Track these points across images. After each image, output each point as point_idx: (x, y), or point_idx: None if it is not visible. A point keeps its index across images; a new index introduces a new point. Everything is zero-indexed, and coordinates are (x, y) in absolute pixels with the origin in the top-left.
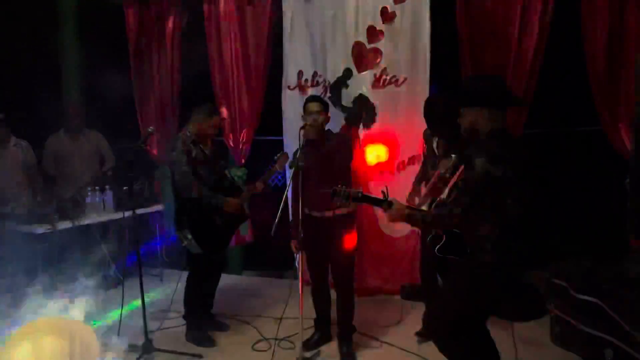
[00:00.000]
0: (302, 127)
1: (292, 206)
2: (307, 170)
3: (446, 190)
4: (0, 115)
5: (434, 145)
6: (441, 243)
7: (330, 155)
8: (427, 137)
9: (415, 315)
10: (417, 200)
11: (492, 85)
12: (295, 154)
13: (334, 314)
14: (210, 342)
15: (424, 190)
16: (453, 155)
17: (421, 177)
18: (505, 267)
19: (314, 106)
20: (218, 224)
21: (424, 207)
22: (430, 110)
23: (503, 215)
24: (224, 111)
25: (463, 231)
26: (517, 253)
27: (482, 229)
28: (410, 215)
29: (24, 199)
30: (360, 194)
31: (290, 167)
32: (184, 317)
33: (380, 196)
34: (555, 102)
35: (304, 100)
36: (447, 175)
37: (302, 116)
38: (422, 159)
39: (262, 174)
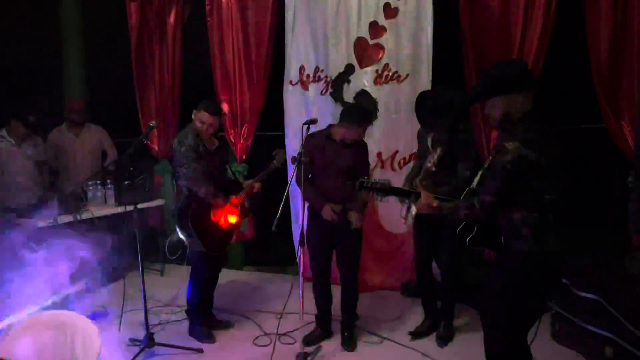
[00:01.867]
0: (306, 123)
1: (302, 192)
2: (322, 165)
3: (475, 180)
4: (34, 117)
5: (429, 142)
6: (472, 234)
7: (354, 157)
8: (421, 135)
9: (415, 312)
10: None
11: (521, 68)
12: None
13: (334, 311)
14: (209, 338)
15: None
16: (439, 149)
17: (413, 175)
18: (546, 255)
19: (361, 131)
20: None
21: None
22: (422, 105)
23: (540, 200)
24: (225, 106)
25: (497, 219)
26: (557, 240)
27: (516, 214)
28: (439, 206)
29: (37, 194)
30: (388, 186)
31: (293, 163)
32: (187, 312)
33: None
34: (559, 100)
35: (351, 114)
36: (434, 168)
37: (340, 124)
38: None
39: (261, 171)
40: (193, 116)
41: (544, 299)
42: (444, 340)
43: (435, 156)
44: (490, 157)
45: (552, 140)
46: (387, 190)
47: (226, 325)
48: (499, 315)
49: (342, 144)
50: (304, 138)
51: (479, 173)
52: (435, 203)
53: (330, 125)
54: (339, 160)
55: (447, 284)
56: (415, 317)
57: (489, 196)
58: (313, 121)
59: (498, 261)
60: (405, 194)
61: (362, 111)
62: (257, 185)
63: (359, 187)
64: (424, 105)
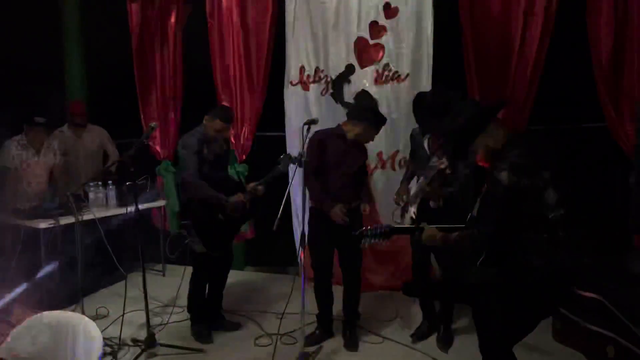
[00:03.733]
0: (306, 123)
1: (309, 192)
2: (332, 164)
3: (476, 206)
4: (41, 119)
5: (425, 143)
6: (482, 258)
7: (362, 157)
8: (416, 135)
9: (416, 312)
10: (405, 199)
11: (472, 106)
12: (310, 141)
13: (335, 311)
14: (206, 338)
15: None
16: (433, 160)
17: (409, 177)
18: (559, 271)
19: (375, 134)
20: (222, 223)
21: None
22: (420, 106)
23: (546, 221)
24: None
25: (504, 244)
26: (569, 255)
27: (525, 235)
28: (444, 238)
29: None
30: (389, 229)
31: (293, 163)
32: (188, 310)
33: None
34: (560, 98)
35: (370, 116)
36: (448, 171)
37: (357, 123)
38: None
39: (265, 175)
40: (205, 122)
41: (550, 312)
42: (445, 344)
43: (435, 169)
44: (486, 188)
45: (543, 159)
46: (389, 233)
47: (234, 326)
48: (502, 330)
49: (352, 143)
50: (304, 138)
51: (478, 200)
52: (439, 235)
53: (340, 124)
54: (349, 160)
55: (446, 286)
56: (417, 316)
57: (489, 227)
58: (313, 121)
59: (506, 277)
60: (408, 231)
61: (381, 116)
62: (260, 188)
63: (359, 237)
64: (421, 106)
